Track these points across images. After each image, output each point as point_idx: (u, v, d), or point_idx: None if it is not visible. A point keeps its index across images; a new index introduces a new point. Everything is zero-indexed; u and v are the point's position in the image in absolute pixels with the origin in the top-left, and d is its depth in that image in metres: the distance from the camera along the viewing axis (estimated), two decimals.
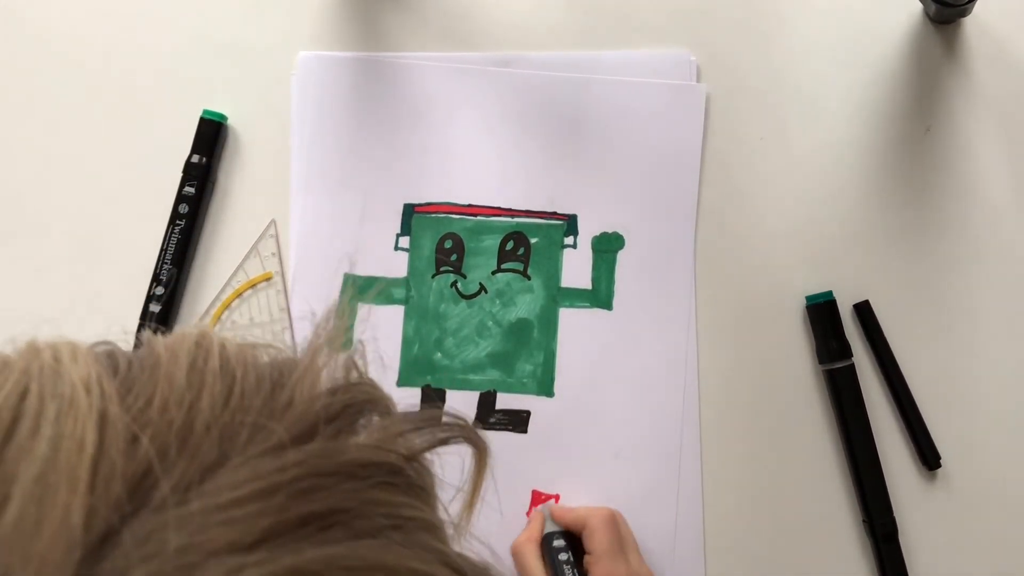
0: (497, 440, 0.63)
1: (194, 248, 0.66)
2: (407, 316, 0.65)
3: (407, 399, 0.29)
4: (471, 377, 0.64)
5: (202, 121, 0.66)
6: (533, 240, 0.65)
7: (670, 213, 0.65)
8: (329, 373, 0.28)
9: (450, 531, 0.29)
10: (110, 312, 0.65)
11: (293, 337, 0.65)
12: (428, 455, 0.29)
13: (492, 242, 0.65)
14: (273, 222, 0.66)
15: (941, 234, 0.64)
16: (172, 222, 0.65)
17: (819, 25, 0.65)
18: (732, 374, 0.64)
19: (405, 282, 0.65)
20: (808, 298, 0.63)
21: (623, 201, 0.65)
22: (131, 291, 0.65)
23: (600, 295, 0.65)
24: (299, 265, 0.65)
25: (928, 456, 0.62)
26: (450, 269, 0.65)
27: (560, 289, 0.65)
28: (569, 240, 0.65)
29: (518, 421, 0.64)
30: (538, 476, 0.63)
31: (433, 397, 0.64)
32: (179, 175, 0.65)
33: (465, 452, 0.31)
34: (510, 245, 0.65)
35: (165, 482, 0.23)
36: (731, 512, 0.63)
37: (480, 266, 0.65)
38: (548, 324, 0.65)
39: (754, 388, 0.63)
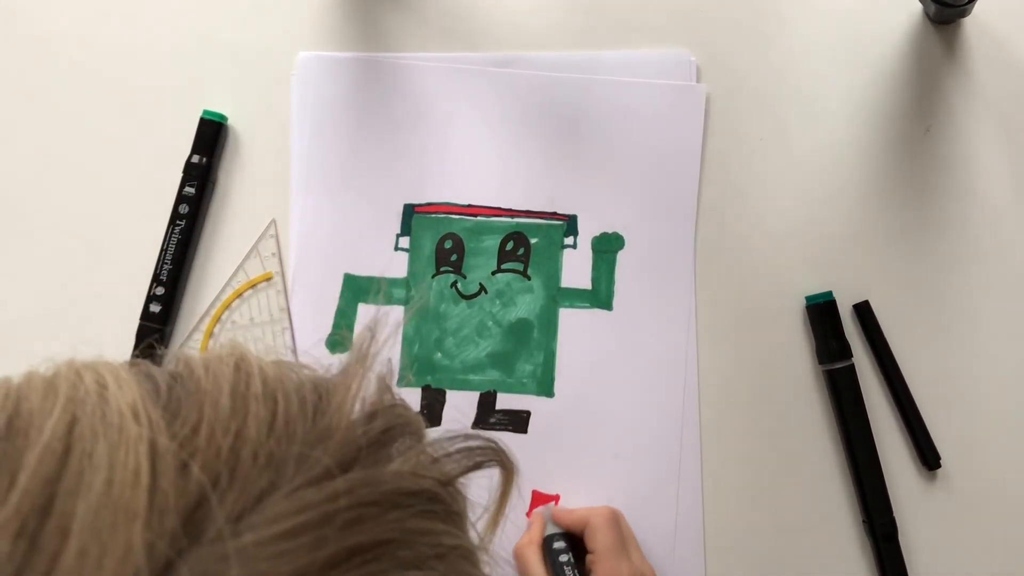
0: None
1: (194, 248, 0.66)
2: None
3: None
4: (471, 377, 0.64)
5: (202, 121, 0.66)
6: (533, 240, 0.65)
7: (670, 213, 0.65)
8: (364, 394, 0.28)
9: (483, 556, 0.29)
10: (110, 312, 0.65)
11: (293, 337, 0.65)
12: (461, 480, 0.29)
13: (492, 242, 0.65)
14: (273, 222, 0.66)
15: (941, 234, 0.64)
16: (172, 222, 0.65)
17: (819, 25, 0.65)
18: (732, 374, 0.64)
19: (405, 282, 0.65)
20: (808, 298, 0.63)
21: (623, 201, 0.65)
22: (131, 291, 0.65)
23: (600, 295, 0.65)
24: (299, 265, 0.65)
25: (928, 456, 0.62)
26: (450, 269, 0.65)
27: (560, 289, 0.65)
28: (569, 240, 0.65)
29: (518, 421, 0.64)
30: (538, 476, 0.63)
31: (433, 397, 0.65)
32: (179, 175, 0.65)
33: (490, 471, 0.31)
34: (510, 245, 0.65)
35: (220, 513, 0.22)
36: (731, 512, 0.63)
37: (480, 266, 0.65)
38: (548, 324, 0.65)
39: (754, 388, 0.63)
